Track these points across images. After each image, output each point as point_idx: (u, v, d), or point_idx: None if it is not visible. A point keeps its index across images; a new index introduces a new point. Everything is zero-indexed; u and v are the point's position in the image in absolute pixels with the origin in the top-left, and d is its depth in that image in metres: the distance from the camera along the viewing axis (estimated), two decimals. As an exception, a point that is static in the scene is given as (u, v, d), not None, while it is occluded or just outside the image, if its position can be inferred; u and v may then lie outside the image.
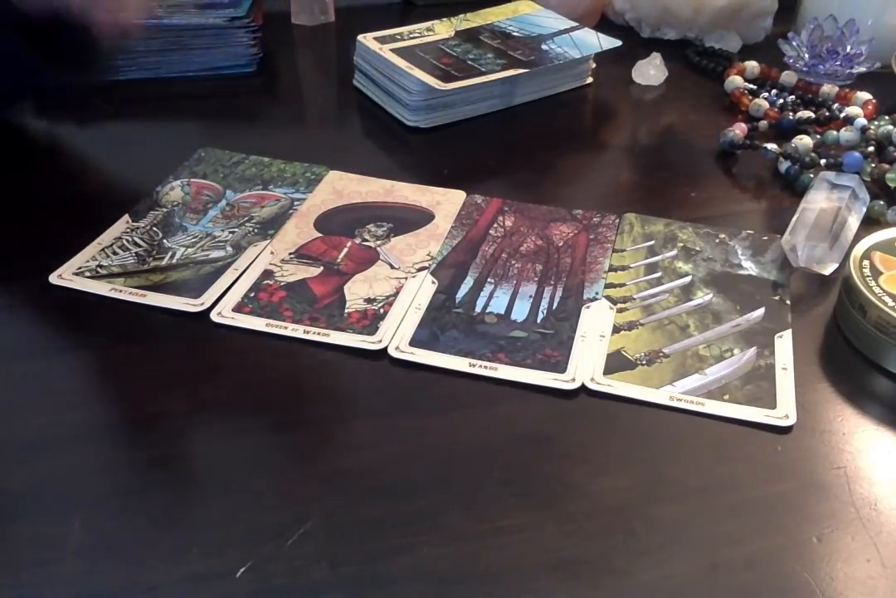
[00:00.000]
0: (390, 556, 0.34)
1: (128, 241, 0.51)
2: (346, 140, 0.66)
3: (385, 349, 0.44)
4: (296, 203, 0.56)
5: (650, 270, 0.50)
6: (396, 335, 0.45)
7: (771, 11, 0.79)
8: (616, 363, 0.43)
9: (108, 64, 0.66)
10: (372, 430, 0.40)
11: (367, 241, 0.52)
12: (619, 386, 0.42)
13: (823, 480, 0.38)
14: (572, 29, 0.73)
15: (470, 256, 0.51)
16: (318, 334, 0.45)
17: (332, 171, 0.59)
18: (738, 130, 0.63)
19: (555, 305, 0.47)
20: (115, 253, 0.50)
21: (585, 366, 0.43)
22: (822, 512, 0.36)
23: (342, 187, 0.58)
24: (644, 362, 0.44)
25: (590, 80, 0.73)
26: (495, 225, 0.54)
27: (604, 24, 0.82)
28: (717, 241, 0.53)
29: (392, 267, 0.50)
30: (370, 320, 0.46)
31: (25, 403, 0.41)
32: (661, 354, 0.44)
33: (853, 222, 0.52)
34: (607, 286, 0.49)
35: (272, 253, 0.51)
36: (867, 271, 0.45)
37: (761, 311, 0.47)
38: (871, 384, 0.44)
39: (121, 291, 0.47)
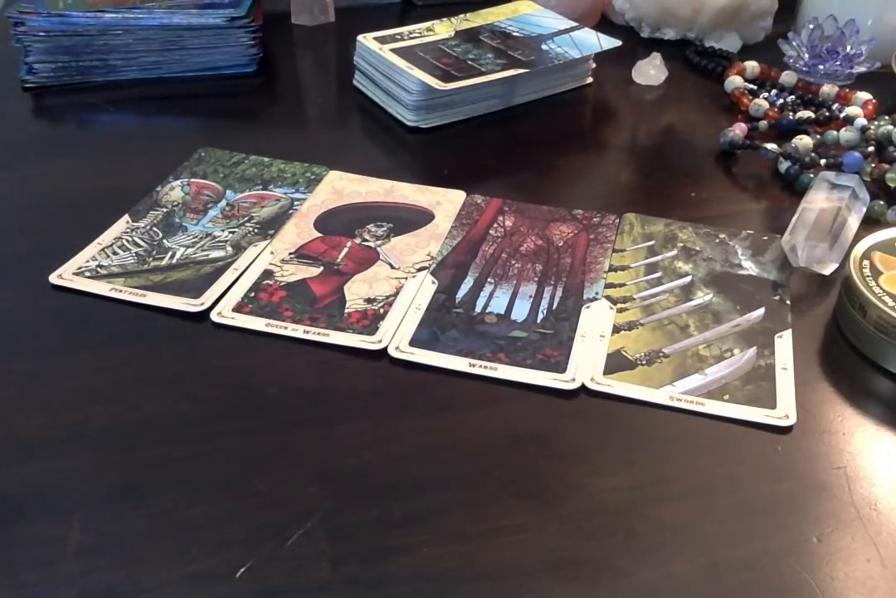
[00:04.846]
0: (390, 556, 0.34)
1: (128, 241, 0.51)
2: (346, 140, 0.66)
3: (385, 349, 0.44)
4: (296, 203, 0.56)
5: (650, 271, 0.50)
6: (396, 335, 0.45)
7: (771, 11, 0.79)
8: (616, 363, 0.43)
9: None
10: (372, 430, 0.40)
11: (367, 241, 0.52)
12: (619, 386, 0.42)
13: (823, 480, 0.38)
14: (572, 29, 0.73)
15: (470, 256, 0.51)
16: (318, 334, 0.45)
17: (332, 171, 0.59)
18: (738, 129, 0.63)
19: (555, 305, 0.47)
20: (115, 253, 0.50)
21: (585, 366, 0.43)
22: (822, 512, 0.36)
23: (342, 187, 0.58)
24: (644, 362, 0.44)
25: (590, 80, 0.73)
26: (495, 225, 0.54)
27: (604, 24, 0.82)
28: (717, 241, 0.53)
29: (392, 267, 0.50)
30: (370, 320, 0.46)
31: (25, 403, 0.41)
32: (661, 354, 0.44)
33: (853, 222, 0.52)
34: (607, 286, 0.49)
35: (272, 253, 0.51)
36: (867, 271, 0.45)
37: (761, 311, 0.47)
38: (871, 384, 0.44)
39: (121, 291, 0.47)
